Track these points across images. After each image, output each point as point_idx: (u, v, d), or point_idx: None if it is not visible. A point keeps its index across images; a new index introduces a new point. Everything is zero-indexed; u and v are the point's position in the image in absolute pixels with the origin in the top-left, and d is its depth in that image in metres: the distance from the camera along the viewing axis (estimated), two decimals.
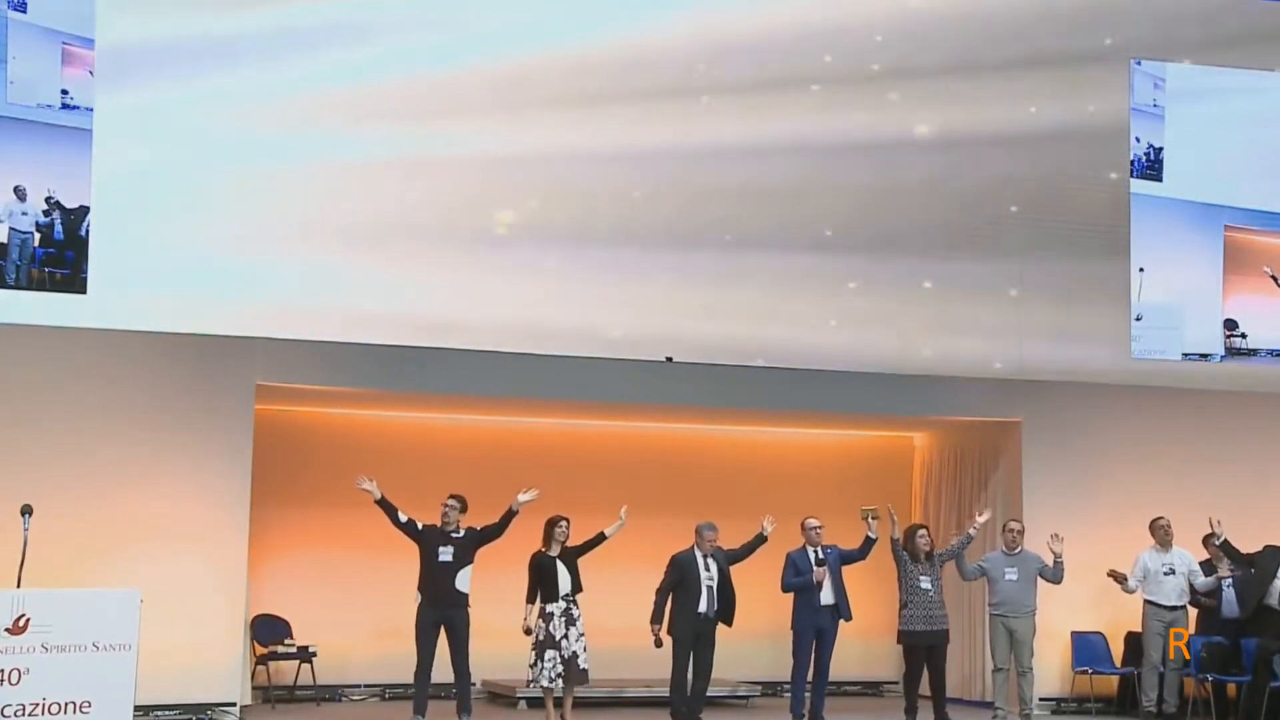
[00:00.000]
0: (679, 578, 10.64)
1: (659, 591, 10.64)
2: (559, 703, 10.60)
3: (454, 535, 10.42)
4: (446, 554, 10.34)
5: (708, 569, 10.65)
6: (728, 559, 10.80)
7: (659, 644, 10.57)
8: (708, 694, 10.93)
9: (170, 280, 10.65)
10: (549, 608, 10.46)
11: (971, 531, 11.44)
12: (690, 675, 10.71)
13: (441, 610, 10.30)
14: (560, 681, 10.43)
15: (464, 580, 10.37)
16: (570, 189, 11.03)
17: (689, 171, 11.32)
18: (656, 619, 10.57)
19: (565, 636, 10.42)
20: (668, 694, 10.75)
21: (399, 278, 11.14)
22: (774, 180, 11.71)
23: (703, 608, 10.57)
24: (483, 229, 10.90)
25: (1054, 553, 11.20)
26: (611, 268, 11.20)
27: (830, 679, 11.11)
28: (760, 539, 10.89)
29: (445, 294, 11.21)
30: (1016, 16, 12.23)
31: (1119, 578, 11.73)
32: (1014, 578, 11.24)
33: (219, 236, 10.75)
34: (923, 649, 11.06)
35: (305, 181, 10.91)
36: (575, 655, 10.44)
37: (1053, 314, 12.25)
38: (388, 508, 10.31)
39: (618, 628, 10.98)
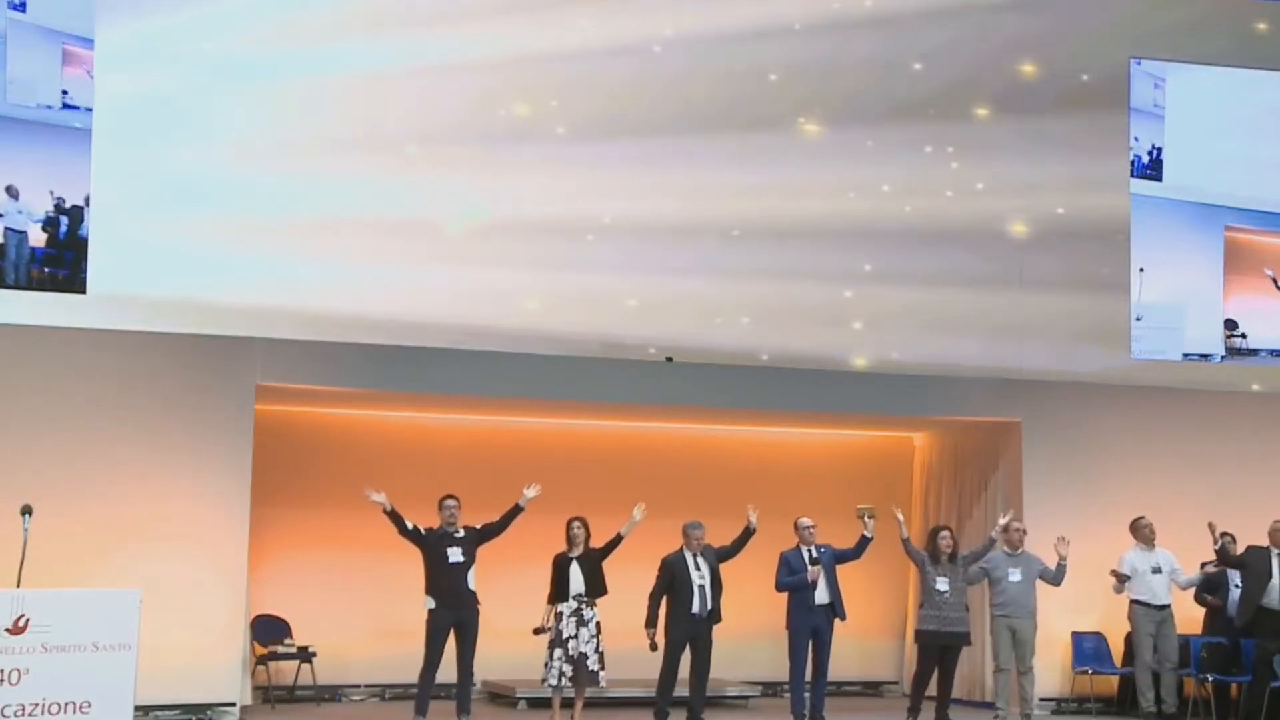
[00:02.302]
0: (670, 580, 10.58)
1: (652, 595, 10.57)
2: (569, 703, 10.54)
3: (457, 536, 10.40)
4: (456, 555, 10.31)
5: (698, 568, 10.57)
6: (718, 556, 10.72)
7: (654, 648, 10.51)
8: (709, 694, 10.88)
9: (170, 280, 10.67)
10: (560, 607, 10.41)
11: (994, 535, 11.35)
12: (691, 675, 10.68)
13: (457, 611, 10.27)
14: (568, 682, 10.36)
15: (472, 579, 10.36)
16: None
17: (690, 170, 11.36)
18: (650, 623, 10.50)
19: (574, 636, 10.36)
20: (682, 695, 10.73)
21: (401, 278, 11.16)
22: (772, 180, 11.75)
23: (695, 608, 10.49)
24: (487, 226, 10.93)
25: (1059, 555, 11.14)
26: (613, 265, 11.23)
27: (830, 679, 11.10)
28: (748, 531, 10.72)
29: (445, 295, 11.23)
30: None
31: (1121, 578, 11.70)
32: (1017, 579, 11.15)
33: (218, 237, 10.76)
34: (936, 650, 11.01)
35: (306, 180, 10.93)
36: (584, 656, 10.33)
37: (1053, 314, 12.25)
38: (396, 519, 10.28)
39: (619, 629, 10.93)
